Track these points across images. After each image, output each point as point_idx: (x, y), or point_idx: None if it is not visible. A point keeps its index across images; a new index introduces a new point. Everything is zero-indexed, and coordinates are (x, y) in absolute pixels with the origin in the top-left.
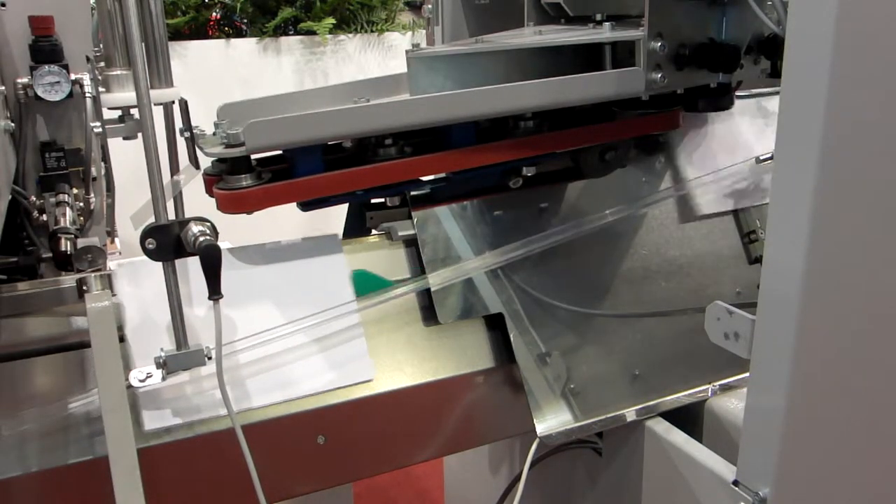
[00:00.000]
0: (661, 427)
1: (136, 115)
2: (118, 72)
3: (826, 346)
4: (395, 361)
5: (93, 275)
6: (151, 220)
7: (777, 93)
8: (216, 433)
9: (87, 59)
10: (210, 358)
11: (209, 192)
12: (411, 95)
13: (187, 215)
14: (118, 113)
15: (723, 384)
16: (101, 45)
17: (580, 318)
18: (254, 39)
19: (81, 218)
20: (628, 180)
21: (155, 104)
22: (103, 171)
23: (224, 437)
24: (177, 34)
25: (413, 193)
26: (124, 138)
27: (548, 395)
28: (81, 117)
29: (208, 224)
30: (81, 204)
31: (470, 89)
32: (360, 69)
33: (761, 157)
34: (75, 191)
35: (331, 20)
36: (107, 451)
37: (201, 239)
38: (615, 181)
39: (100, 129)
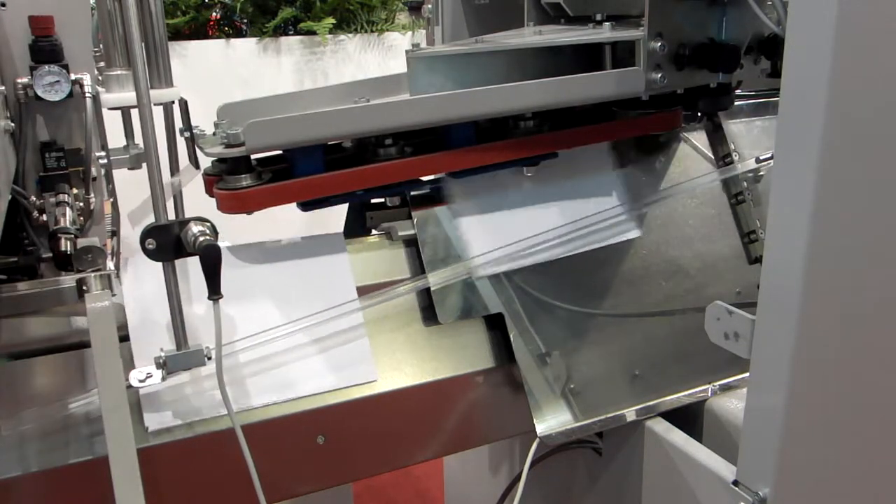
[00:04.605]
0: (661, 427)
1: (137, 116)
2: (118, 72)
3: (826, 345)
4: (395, 361)
5: (93, 275)
6: (148, 217)
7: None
8: (216, 433)
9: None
10: (210, 358)
11: (209, 192)
12: (411, 95)
13: (187, 215)
14: (118, 113)
15: (723, 384)
16: (101, 45)
17: (580, 318)
18: (254, 39)
19: (81, 218)
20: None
21: (155, 104)
22: (103, 172)
23: (224, 437)
24: (177, 34)
25: (413, 193)
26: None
27: (548, 395)
28: (81, 117)
29: (208, 224)
30: (81, 204)
31: (470, 89)
32: (360, 69)
33: (761, 158)
34: (75, 191)
35: (331, 20)
36: (107, 451)
37: (201, 239)
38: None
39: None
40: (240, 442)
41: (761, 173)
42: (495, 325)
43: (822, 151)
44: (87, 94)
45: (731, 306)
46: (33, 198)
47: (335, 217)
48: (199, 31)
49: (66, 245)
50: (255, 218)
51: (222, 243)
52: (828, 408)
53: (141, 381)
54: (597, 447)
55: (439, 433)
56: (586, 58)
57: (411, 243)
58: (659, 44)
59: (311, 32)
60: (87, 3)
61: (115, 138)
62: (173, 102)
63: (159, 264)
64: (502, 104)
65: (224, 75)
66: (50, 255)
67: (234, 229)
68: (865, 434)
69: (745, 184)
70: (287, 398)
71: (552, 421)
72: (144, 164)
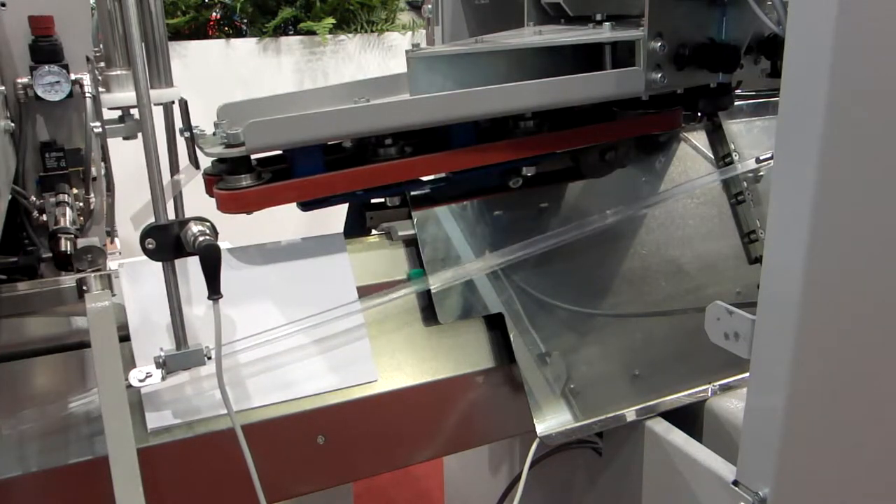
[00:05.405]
0: (661, 427)
1: (136, 115)
2: (118, 72)
3: (826, 346)
4: (395, 361)
5: (93, 275)
6: (151, 220)
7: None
8: (216, 433)
9: (88, 59)
10: (210, 358)
11: (209, 192)
12: (411, 95)
13: (187, 215)
14: (118, 113)
15: (723, 384)
16: (101, 45)
17: (580, 318)
18: (254, 39)
19: (81, 218)
20: (628, 180)
21: (155, 104)
22: (103, 171)
23: (224, 437)
24: (177, 34)
25: (413, 193)
26: (124, 138)
27: (548, 395)
28: (81, 117)
29: (208, 224)
30: (81, 204)
31: (470, 89)
32: (360, 69)
33: (761, 158)
34: (75, 191)
35: (331, 20)
36: (107, 451)
37: (201, 239)
38: (615, 181)
39: (100, 129)
40: (240, 442)
41: (761, 173)
42: (495, 325)
43: (822, 151)
44: (87, 94)
45: (731, 306)
46: (33, 198)
47: (335, 217)
48: (199, 31)
49: (66, 245)
50: (255, 218)
51: (222, 244)
52: (828, 408)
53: (141, 381)
54: (597, 447)
55: (439, 433)
56: (586, 58)
57: (411, 243)
58: (659, 44)
59: (311, 32)
60: (87, 3)
61: (116, 139)
62: (173, 102)
63: (159, 264)
64: (502, 104)
65: (224, 75)
66: (50, 255)
67: (235, 229)
68: (865, 434)
69: (745, 184)
70: (287, 398)
71: (552, 421)
72: (144, 164)
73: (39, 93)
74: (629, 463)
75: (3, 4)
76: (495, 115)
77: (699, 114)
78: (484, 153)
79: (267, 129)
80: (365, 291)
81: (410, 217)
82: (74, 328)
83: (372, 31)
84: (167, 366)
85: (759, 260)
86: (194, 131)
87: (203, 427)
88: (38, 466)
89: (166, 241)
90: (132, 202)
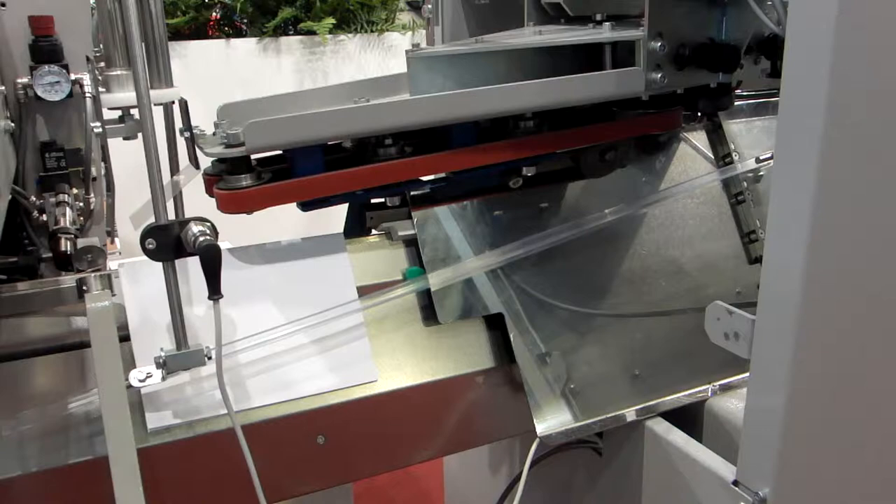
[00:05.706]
0: (661, 427)
1: (136, 115)
2: (118, 72)
3: (826, 345)
4: (395, 361)
5: (93, 275)
6: (151, 219)
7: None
8: (216, 433)
9: (88, 59)
10: (210, 358)
11: (209, 192)
12: (411, 95)
13: (187, 215)
14: (118, 113)
15: (723, 384)
16: (101, 45)
17: (580, 318)
18: (254, 39)
19: (81, 218)
20: (628, 180)
21: (155, 104)
22: (103, 171)
23: (224, 437)
24: (177, 34)
25: (413, 193)
26: (124, 138)
27: (548, 395)
28: (81, 117)
29: (208, 224)
30: (81, 204)
31: (470, 89)
32: (360, 69)
33: (761, 157)
34: (75, 191)
35: (331, 20)
36: (107, 451)
37: (201, 239)
38: (615, 181)
39: (100, 129)
40: (240, 442)
41: (761, 173)
42: (495, 325)
43: (822, 151)
44: (87, 94)
45: (731, 306)
46: (33, 198)
47: (335, 217)
48: (199, 31)
49: (66, 245)
50: (255, 218)
51: (222, 244)
52: (827, 407)
53: (141, 381)
54: (597, 447)
55: (439, 433)
56: (586, 58)
57: (411, 243)
58: (659, 44)
59: (311, 32)
60: (87, 3)
61: (116, 139)
62: (173, 102)
63: (159, 264)
64: (502, 104)
65: (224, 75)
66: (50, 255)
67: (235, 229)
68: (865, 433)
69: (745, 184)
70: (287, 398)
71: (552, 421)
72: (144, 164)
73: (39, 93)
74: (629, 463)
75: (3, 4)
76: (495, 115)
77: (699, 114)
78: (484, 153)
79: (267, 129)
80: (365, 291)
81: (410, 217)
82: (74, 328)
83: (372, 31)
84: (167, 366)
85: (759, 260)
86: (194, 131)
87: (203, 427)
88: (38, 466)
89: (166, 242)
90: (132, 202)
